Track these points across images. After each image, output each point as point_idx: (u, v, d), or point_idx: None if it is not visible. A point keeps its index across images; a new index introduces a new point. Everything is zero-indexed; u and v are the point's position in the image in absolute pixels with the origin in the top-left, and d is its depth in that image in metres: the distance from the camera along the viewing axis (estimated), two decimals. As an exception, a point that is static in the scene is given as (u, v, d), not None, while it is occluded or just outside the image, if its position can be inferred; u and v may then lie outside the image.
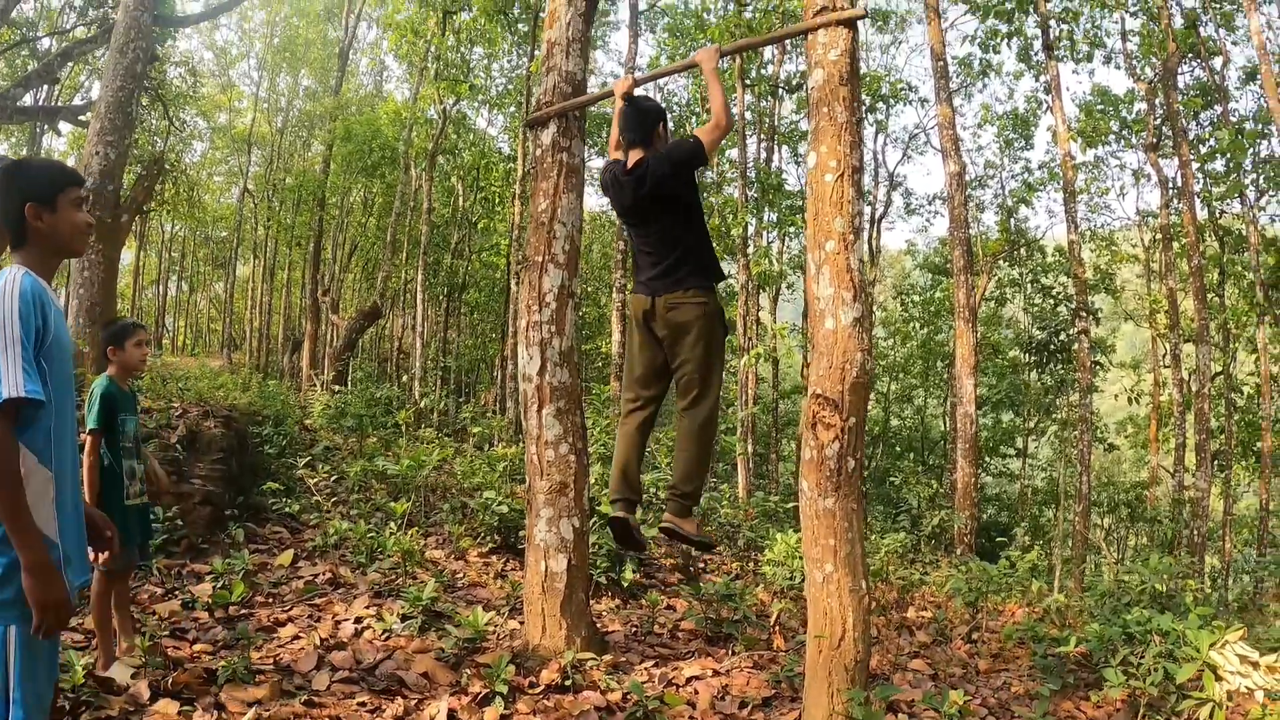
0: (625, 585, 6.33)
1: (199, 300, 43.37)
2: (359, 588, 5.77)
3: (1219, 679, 4.36)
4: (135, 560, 4.25)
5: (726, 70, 15.55)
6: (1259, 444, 18.96)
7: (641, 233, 4.24)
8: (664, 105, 4.55)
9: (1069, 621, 8.01)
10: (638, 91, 4.36)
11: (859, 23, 3.85)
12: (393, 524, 6.94)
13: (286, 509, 7.15)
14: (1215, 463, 16.79)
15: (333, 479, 8.15)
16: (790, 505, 11.97)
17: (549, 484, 4.57)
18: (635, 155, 4.23)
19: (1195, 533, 14.43)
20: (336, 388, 15.16)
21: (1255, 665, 4.43)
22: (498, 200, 24.84)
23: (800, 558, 7.48)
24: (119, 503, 4.00)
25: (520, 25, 18.64)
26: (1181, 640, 4.78)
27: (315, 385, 16.34)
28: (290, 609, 5.31)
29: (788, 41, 18.70)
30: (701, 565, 8.15)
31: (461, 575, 6.39)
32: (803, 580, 7.38)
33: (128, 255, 30.52)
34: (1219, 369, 17.83)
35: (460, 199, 25.74)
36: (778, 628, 6.03)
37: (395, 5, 21.34)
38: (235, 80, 31.52)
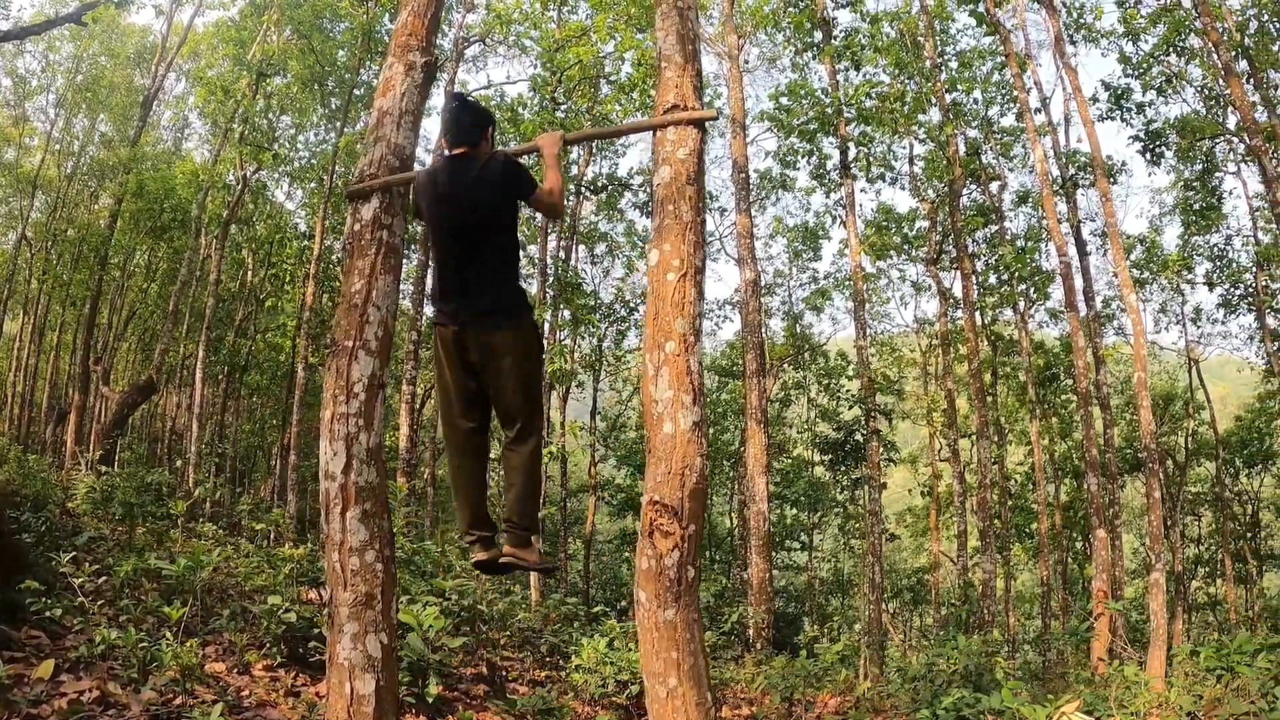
0: (430, 701, 5.82)
1: (-40, 356, 38.70)
2: (132, 709, 5.01)
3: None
4: None
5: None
6: (1033, 526, 20.58)
7: (454, 243, 3.97)
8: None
9: (880, 707, 8.12)
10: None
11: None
12: (167, 631, 6.12)
13: (46, 611, 6.18)
14: (995, 545, 17.98)
15: (99, 576, 7.16)
16: (594, 609, 11.76)
17: (354, 596, 4.08)
18: (462, 152, 4.03)
19: (986, 610, 15.30)
20: (103, 468, 13.62)
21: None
22: (289, 278, 23.61)
23: (611, 664, 7.23)
24: None
25: (333, 100, 18.09)
26: (1017, 717, 4.86)
27: (80, 464, 14.65)
28: (54, 734, 4.52)
29: (595, 144, 19.12)
30: (505, 674, 7.69)
31: (248, 693, 5.67)
32: (617, 687, 7.10)
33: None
34: (994, 460, 19.21)
35: (250, 273, 24.32)
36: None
37: (208, 60, 20.27)
38: (30, 114, 28.71)
